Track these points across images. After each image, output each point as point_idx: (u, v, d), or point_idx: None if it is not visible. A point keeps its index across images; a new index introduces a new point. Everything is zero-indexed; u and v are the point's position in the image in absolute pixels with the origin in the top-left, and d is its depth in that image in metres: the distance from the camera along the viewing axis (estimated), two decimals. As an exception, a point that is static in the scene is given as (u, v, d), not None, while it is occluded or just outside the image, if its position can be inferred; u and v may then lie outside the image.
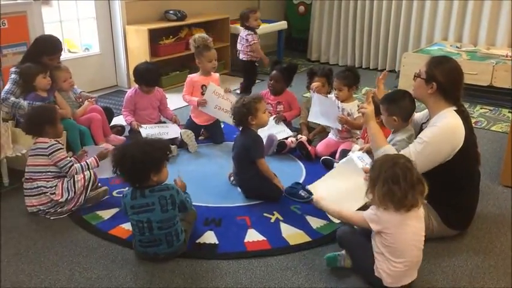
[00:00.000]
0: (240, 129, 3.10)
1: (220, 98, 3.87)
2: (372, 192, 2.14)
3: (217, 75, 4.10)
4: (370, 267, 2.21)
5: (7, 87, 3.44)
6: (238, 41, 4.99)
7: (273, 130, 3.79)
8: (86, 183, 2.87)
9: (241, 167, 3.07)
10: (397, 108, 2.67)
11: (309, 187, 2.84)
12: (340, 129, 3.58)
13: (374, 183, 2.13)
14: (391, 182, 2.08)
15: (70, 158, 2.93)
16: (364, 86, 5.34)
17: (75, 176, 2.85)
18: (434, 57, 2.62)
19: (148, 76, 3.93)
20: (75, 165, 2.86)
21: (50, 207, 2.82)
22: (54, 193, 2.80)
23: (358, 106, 2.76)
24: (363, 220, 2.19)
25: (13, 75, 3.47)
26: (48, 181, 2.82)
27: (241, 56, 5.03)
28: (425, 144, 2.43)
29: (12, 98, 3.37)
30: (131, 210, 2.36)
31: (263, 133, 3.32)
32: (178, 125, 4.00)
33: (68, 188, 2.82)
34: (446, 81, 2.47)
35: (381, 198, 2.10)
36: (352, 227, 2.40)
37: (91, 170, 2.92)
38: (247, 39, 4.85)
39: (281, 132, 3.85)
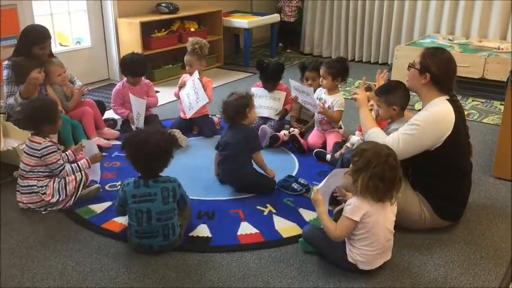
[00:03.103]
0: (229, 125, 3.06)
1: (191, 90, 3.87)
2: (355, 178, 2.17)
3: (207, 79, 4.04)
4: (340, 256, 2.26)
5: (5, 90, 3.42)
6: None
7: (263, 103, 3.87)
8: (77, 184, 2.85)
9: (238, 163, 3.00)
10: (395, 97, 2.72)
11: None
12: (316, 115, 3.62)
13: (360, 171, 2.15)
14: (377, 179, 2.12)
15: (63, 153, 2.90)
16: (357, 79, 5.33)
17: (67, 177, 2.83)
18: (428, 48, 2.63)
19: (135, 67, 3.90)
20: (66, 167, 2.82)
21: (40, 206, 2.79)
22: (45, 193, 2.77)
23: (350, 93, 2.77)
24: (347, 221, 2.18)
25: (5, 72, 3.43)
26: (39, 180, 2.79)
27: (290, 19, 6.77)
28: (414, 126, 2.45)
29: (10, 100, 3.37)
30: (132, 199, 2.36)
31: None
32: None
33: (59, 189, 2.79)
34: (440, 72, 2.49)
35: (363, 190, 2.14)
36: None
37: (82, 172, 2.90)
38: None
39: (269, 109, 3.88)
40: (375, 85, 3.11)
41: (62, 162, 2.83)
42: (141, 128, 2.46)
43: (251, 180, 3.01)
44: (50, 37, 3.61)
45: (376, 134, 2.54)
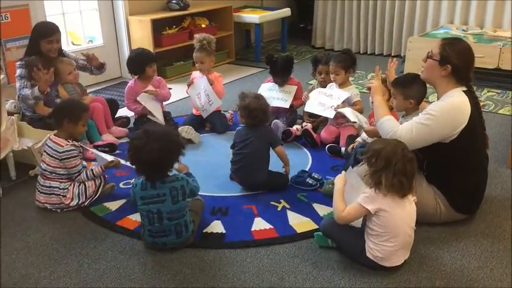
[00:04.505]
0: (249, 126, 2.99)
1: (202, 91, 3.88)
2: (376, 179, 2.15)
3: (216, 74, 4.04)
4: (359, 251, 2.25)
5: (17, 85, 3.45)
6: None
7: (274, 95, 3.86)
8: (96, 189, 2.86)
9: (257, 161, 2.95)
10: (413, 90, 2.68)
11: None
12: (332, 117, 3.57)
13: (381, 171, 2.13)
14: (401, 175, 2.12)
15: (88, 169, 2.86)
16: (370, 72, 5.30)
17: (86, 182, 2.84)
18: (447, 39, 2.58)
19: (144, 57, 3.89)
20: (82, 174, 2.81)
21: (57, 208, 2.81)
22: (65, 195, 2.80)
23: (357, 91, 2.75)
24: (358, 207, 2.19)
25: (18, 71, 3.46)
26: (61, 182, 2.80)
27: None
28: (428, 116, 2.42)
29: (24, 91, 3.40)
30: (141, 200, 2.36)
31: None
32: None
33: (78, 194, 2.81)
34: (460, 62, 2.45)
35: (389, 187, 2.13)
36: None
37: (101, 177, 2.91)
38: None
39: (280, 100, 3.85)
40: (385, 76, 3.05)
41: (81, 167, 2.83)
42: (147, 129, 2.38)
43: (265, 179, 2.97)
44: (57, 31, 3.63)
45: (388, 123, 2.50)
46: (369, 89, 2.75)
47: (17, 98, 3.47)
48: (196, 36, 3.98)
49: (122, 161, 2.96)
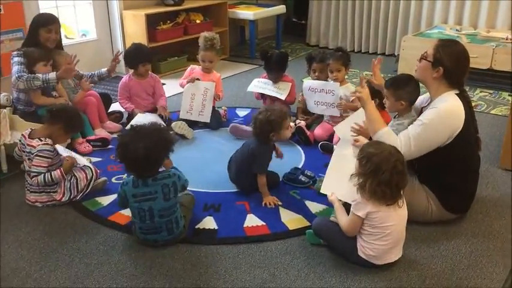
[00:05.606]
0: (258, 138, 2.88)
1: (200, 96, 3.88)
2: (362, 182, 2.15)
3: (217, 75, 4.05)
4: (350, 250, 2.26)
5: (15, 69, 3.38)
6: None
7: (269, 87, 3.89)
8: (88, 182, 2.85)
9: (243, 172, 2.89)
10: (404, 92, 2.66)
11: (322, 190, 2.68)
12: (339, 115, 3.57)
13: (367, 175, 2.13)
14: (384, 186, 2.10)
15: (48, 173, 2.74)
16: (364, 70, 5.31)
17: (77, 175, 2.82)
18: (442, 41, 2.57)
19: (139, 54, 3.89)
20: (39, 178, 2.70)
21: (49, 204, 2.79)
22: (56, 191, 2.78)
23: (354, 89, 2.75)
24: (353, 217, 2.20)
25: (16, 59, 3.42)
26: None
27: None
28: (424, 126, 2.42)
29: (26, 75, 3.37)
30: (133, 198, 2.35)
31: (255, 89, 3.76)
32: (167, 119, 3.85)
33: (70, 188, 2.80)
34: (453, 66, 2.45)
35: (371, 193, 2.13)
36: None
37: (92, 168, 2.90)
38: None
39: (275, 92, 3.87)
40: (372, 75, 3.05)
41: (45, 171, 2.72)
42: (136, 126, 2.36)
43: (247, 185, 2.91)
44: (56, 22, 3.63)
45: (387, 137, 2.47)
46: (359, 99, 2.64)
47: (14, 79, 3.35)
48: (205, 35, 3.95)
49: (83, 160, 2.99)
